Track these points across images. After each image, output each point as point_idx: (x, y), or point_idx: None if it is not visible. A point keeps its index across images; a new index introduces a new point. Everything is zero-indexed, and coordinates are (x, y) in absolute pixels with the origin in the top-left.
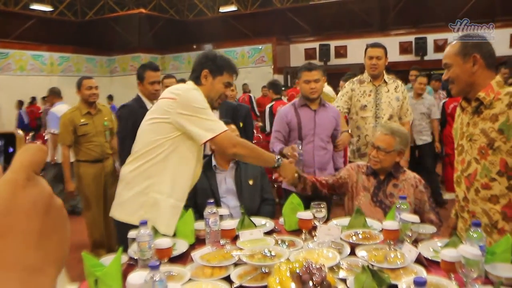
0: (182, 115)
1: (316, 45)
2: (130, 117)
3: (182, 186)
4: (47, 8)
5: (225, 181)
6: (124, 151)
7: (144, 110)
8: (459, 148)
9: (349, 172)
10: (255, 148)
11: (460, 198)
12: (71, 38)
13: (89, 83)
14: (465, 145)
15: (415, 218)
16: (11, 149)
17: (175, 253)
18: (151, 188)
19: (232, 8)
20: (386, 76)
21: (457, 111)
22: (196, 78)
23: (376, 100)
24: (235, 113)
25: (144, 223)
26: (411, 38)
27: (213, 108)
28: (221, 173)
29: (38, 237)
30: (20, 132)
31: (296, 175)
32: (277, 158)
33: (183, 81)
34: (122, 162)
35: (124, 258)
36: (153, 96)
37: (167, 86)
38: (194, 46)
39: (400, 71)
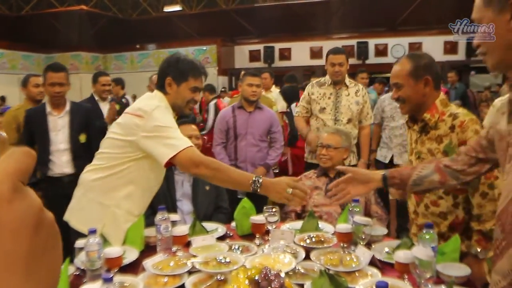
0: (146, 138)
1: (260, 47)
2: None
3: (144, 203)
4: None
5: (182, 184)
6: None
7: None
8: (409, 164)
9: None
10: (225, 169)
11: (411, 211)
12: (5, 33)
13: (36, 80)
14: (413, 161)
15: (368, 220)
16: None
17: (126, 261)
18: (112, 202)
19: (177, 8)
20: (347, 80)
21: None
22: (161, 87)
23: (336, 103)
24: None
25: (93, 231)
26: (353, 42)
27: (182, 115)
28: (180, 175)
29: (26, 261)
30: (3, 134)
31: (289, 190)
32: (254, 179)
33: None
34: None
35: (71, 269)
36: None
37: (104, 85)
38: (138, 46)
39: None
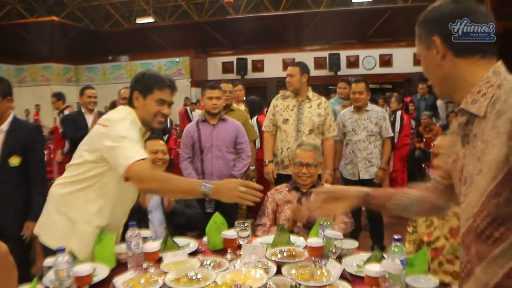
0: (107, 148)
1: (233, 58)
2: None
3: (117, 219)
4: None
5: (152, 195)
6: None
7: None
8: (427, 221)
9: (272, 199)
10: (173, 180)
11: None
12: None
13: None
14: (435, 221)
15: (338, 234)
16: None
17: (96, 279)
18: (81, 217)
19: (149, 19)
20: (310, 93)
21: None
22: (130, 102)
23: (298, 114)
24: None
25: (61, 249)
26: (325, 54)
27: (151, 129)
28: None
29: None
30: None
31: (241, 188)
32: (203, 184)
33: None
34: None
35: None
36: None
37: (89, 97)
38: (110, 57)
39: (315, 85)
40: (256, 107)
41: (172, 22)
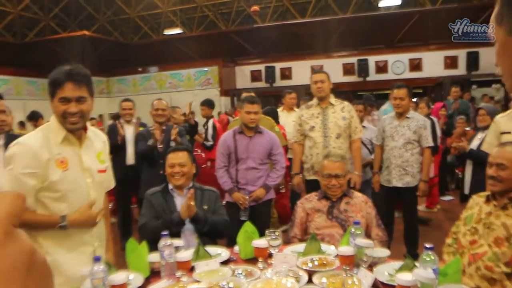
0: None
1: (261, 67)
2: None
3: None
4: None
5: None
6: None
7: None
8: (472, 230)
9: (302, 209)
10: (31, 216)
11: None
12: (10, 59)
13: None
14: (480, 229)
15: (369, 243)
16: None
17: (130, 287)
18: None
19: (177, 30)
20: (333, 99)
21: (475, 200)
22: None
23: (324, 120)
24: (181, 136)
25: (97, 258)
26: (353, 60)
27: (71, 131)
28: (178, 197)
29: None
30: None
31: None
32: (61, 218)
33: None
34: None
35: None
36: None
37: (124, 109)
38: (140, 69)
39: (344, 91)
40: (273, 117)
41: (200, 32)
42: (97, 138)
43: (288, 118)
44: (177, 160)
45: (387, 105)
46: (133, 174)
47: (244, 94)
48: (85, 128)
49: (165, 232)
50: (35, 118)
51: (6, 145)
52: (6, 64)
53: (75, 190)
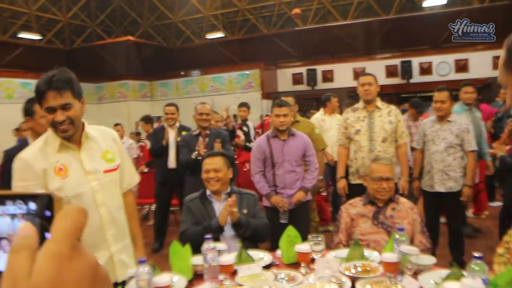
0: None
1: (303, 69)
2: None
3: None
4: (35, 37)
5: (220, 210)
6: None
7: None
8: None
9: (347, 214)
10: None
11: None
12: (59, 65)
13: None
14: None
15: (414, 250)
16: (48, 213)
17: None
18: None
19: (219, 34)
20: (379, 102)
21: None
22: None
23: (370, 124)
24: (225, 141)
25: (143, 261)
26: (396, 61)
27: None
28: (217, 203)
29: None
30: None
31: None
32: None
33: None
34: None
35: None
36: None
37: (166, 114)
38: (182, 73)
39: (387, 94)
40: None
41: (241, 35)
42: (104, 137)
43: (331, 122)
44: (212, 166)
45: (457, 106)
46: (174, 177)
47: (282, 97)
48: (82, 129)
49: (208, 236)
50: None
51: None
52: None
53: (79, 196)
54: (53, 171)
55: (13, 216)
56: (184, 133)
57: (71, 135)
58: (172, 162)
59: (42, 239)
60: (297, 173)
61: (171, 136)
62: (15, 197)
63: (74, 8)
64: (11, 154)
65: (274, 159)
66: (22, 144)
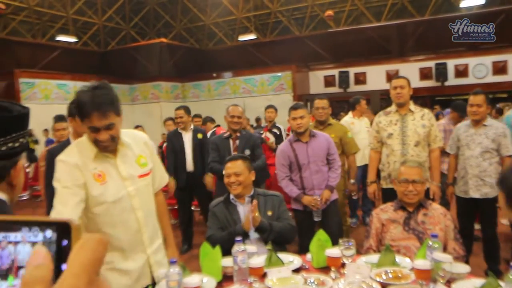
0: None
1: (335, 72)
2: (51, 163)
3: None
4: (72, 39)
5: (243, 213)
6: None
7: None
8: None
9: (378, 219)
10: None
11: None
12: (94, 67)
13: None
14: None
15: (448, 257)
16: (65, 242)
17: None
18: None
19: (251, 36)
20: (412, 106)
21: None
22: None
23: (403, 128)
24: (256, 144)
25: (173, 262)
26: (431, 64)
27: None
28: (241, 206)
29: None
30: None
31: None
32: None
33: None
34: (48, 207)
35: None
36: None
37: (176, 118)
38: (214, 74)
39: (420, 97)
40: None
41: (274, 37)
42: (136, 142)
43: (360, 125)
44: (233, 170)
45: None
46: (192, 180)
47: (316, 100)
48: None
49: (238, 238)
50: None
51: None
52: (91, 72)
53: (118, 201)
54: (92, 177)
55: (33, 244)
56: (199, 136)
57: (112, 150)
58: (189, 166)
59: (57, 271)
60: (324, 173)
61: (187, 139)
62: (31, 224)
63: (109, 11)
64: (54, 153)
65: (300, 162)
66: (65, 143)
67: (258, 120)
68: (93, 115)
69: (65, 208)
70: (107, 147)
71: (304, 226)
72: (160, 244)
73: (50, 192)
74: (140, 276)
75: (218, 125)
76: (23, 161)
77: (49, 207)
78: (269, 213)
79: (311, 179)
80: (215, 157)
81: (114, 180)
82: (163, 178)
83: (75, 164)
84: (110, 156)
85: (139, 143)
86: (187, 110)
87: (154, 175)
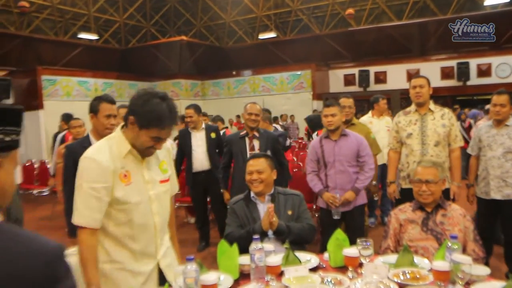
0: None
1: (355, 71)
2: (70, 158)
3: (119, 248)
4: (93, 37)
5: (263, 212)
6: (67, 192)
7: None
8: None
9: (396, 219)
10: (84, 265)
11: None
12: (114, 64)
13: (108, 110)
14: None
15: (467, 259)
16: None
17: None
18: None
19: (272, 34)
20: (432, 105)
21: None
22: (125, 119)
23: (422, 127)
24: (276, 143)
25: (190, 259)
26: (453, 63)
27: (143, 156)
28: (261, 204)
29: None
30: None
31: None
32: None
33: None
34: (66, 204)
35: None
36: (107, 131)
37: (185, 117)
38: (234, 72)
39: (442, 96)
40: (317, 124)
41: (294, 36)
42: None
43: (379, 124)
44: (255, 167)
45: None
46: (205, 179)
47: (342, 98)
48: None
49: (256, 236)
50: None
51: None
52: (111, 69)
53: (139, 203)
54: (118, 177)
55: None
56: (213, 135)
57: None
58: (201, 165)
59: None
60: (349, 174)
61: (198, 139)
62: None
63: (130, 9)
64: (72, 150)
65: (326, 159)
66: (84, 140)
67: (275, 119)
68: (166, 128)
69: (88, 211)
70: (153, 153)
71: (327, 225)
72: (168, 248)
73: (68, 188)
74: (147, 280)
75: (227, 127)
76: (17, 163)
77: (68, 203)
78: (289, 212)
79: (334, 178)
80: (226, 163)
81: (137, 182)
82: (175, 186)
83: (107, 167)
84: (137, 157)
85: (163, 148)
86: (197, 109)
87: (171, 183)
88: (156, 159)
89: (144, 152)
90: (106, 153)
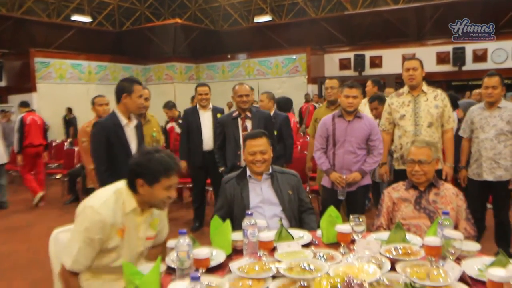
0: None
1: (351, 55)
2: (102, 134)
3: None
4: (86, 19)
5: (261, 190)
6: (99, 170)
7: (118, 127)
8: None
9: (389, 198)
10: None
11: None
12: (108, 47)
13: (141, 91)
14: None
15: (458, 234)
16: None
17: (213, 263)
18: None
19: (267, 18)
20: (425, 87)
21: None
22: (131, 185)
23: (415, 109)
24: (268, 122)
25: (183, 232)
26: (448, 48)
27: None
28: (255, 182)
29: None
30: None
31: None
32: None
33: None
34: (100, 182)
35: (162, 267)
36: (142, 110)
37: (200, 94)
38: (229, 56)
39: (437, 81)
40: (283, 106)
41: (289, 19)
42: None
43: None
44: (258, 148)
45: None
46: (210, 160)
47: (327, 80)
48: None
49: (249, 212)
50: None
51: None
52: (105, 52)
53: (129, 258)
54: (116, 231)
55: None
56: (219, 115)
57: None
58: (207, 145)
59: None
60: (357, 156)
61: (206, 117)
62: None
63: None
64: (103, 124)
65: (336, 137)
66: (113, 116)
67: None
68: (174, 173)
69: (84, 259)
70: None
71: (328, 204)
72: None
73: (100, 165)
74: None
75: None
76: None
77: (101, 175)
78: (290, 192)
79: (342, 158)
80: (220, 144)
81: (131, 238)
82: (165, 232)
83: (108, 221)
84: (138, 215)
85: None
86: (209, 87)
87: (162, 229)
88: (152, 217)
89: (161, 205)
90: (111, 206)
